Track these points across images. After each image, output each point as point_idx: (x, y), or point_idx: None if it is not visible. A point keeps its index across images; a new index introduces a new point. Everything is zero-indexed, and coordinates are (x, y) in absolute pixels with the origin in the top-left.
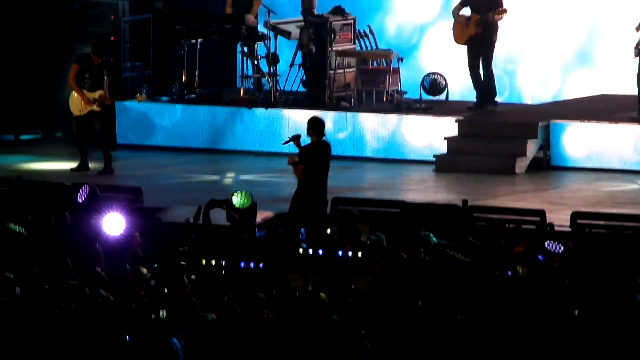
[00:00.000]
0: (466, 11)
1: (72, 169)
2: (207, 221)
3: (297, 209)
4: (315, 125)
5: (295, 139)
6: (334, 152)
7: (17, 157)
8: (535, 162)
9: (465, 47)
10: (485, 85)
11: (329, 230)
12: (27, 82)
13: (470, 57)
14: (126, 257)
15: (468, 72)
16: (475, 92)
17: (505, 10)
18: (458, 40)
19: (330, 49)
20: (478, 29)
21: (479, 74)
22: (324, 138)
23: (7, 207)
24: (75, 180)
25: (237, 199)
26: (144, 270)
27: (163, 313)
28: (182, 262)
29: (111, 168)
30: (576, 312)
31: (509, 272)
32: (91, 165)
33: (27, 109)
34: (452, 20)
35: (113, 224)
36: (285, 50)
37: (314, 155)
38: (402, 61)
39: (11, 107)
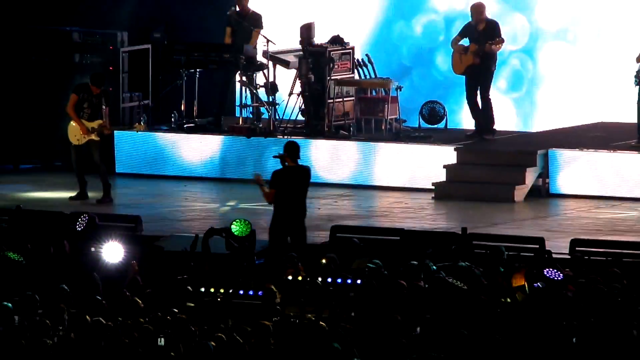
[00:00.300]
0: (465, 42)
1: (71, 198)
2: (207, 249)
3: (276, 235)
4: (290, 150)
5: (283, 157)
6: (334, 180)
7: (16, 186)
8: (534, 190)
9: (464, 77)
10: (483, 114)
11: (324, 260)
12: (26, 111)
13: (468, 86)
14: (124, 285)
15: (466, 101)
16: (473, 121)
17: (502, 40)
18: (456, 70)
19: (329, 78)
20: (476, 59)
21: (477, 103)
22: (299, 162)
23: (6, 237)
24: (74, 209)
25: (236, 227)
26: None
27: (161, 340)
28: (184, 289)
29: (110, 197)
30: (574, 339)
31: (507, 299)
32: (90, 194)
33: (26, 139)
34: (451, 50)
35: (112, 252)
36: (284, 79)
37: (289, 179)
38: (400, 90)
39: (10, 137)
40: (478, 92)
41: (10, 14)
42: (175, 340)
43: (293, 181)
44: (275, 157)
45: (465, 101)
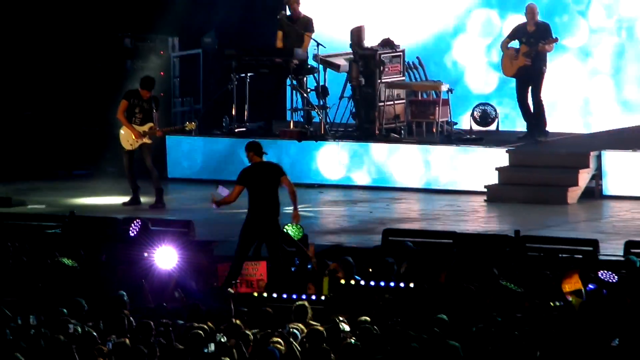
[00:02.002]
0: (514, 44)
1: (124, 203)
2: (258, 253)
3: (247, 233)
4: (254, 148)
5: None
6: (386, 183)
7: (69, 192)
8: (588, 192)
9: (514, 79)
10: (535, 115)
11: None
12: (79, 117)
13: (519, 88)
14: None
15: (517, 103)
16: (525, 123)
17: (556, 40)
18: (507, 72)
19: (379, 81)
20: (527, 60)
21: (529, 104)
22: (264, 158)
23: (60, 242)
24: (127, 214)
25: (290, 231)
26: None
27: (211, 347)
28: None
29: (163, 202)
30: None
31: (561, 303)
32: (143, 199)
33: (79, 145)
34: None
35: (165, 257)
36: (335, 82)
37: (258, 176)
38: (451, 92)
39: (63, 143)
40: (529, 93)
41: (63, 20)
42: (229, 346)
43: (262, 177)
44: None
45: (517, 103)
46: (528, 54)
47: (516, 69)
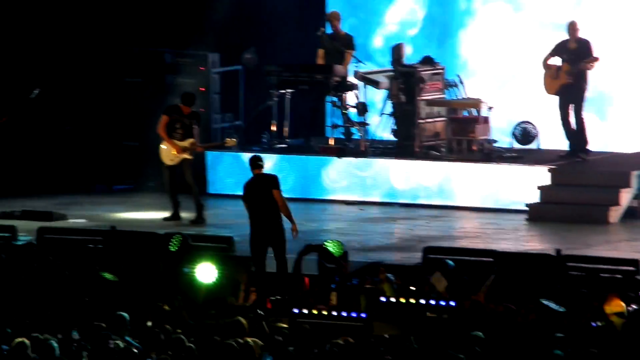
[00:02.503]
0: (555, 60)
1: (164, 219)
2: (298, 269)
3: (256, 246)
4: (250, 162)
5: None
6: (426, 201)
7: (110, 207)
8: (630, 211)
9: (557, 96)
10: (577, 133)
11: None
12: (120, 133)
13: (561, 106)
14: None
15: (560, 121)
16: (567, 141)
17: (596, 59)
18: (549, 90)
19: (419, 98)
20: (569, 78)
21: (570, 123)
22: (263, 171)
23: (101, 257)
24: (167, 229)
25: (330, 248)
26: (242, 320)
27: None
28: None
29: (203, 217)
30: None
31: (600, 323)
32: (183, 214)
33: (119, 160)
34: (543, 70)
35: (206, 272)
36: (375, 99)
37: (255, 188)
38: (492, 110)
39: (104, 158)
40: (571, 111)
41: (104, 35)
42: None
43: (257, 189)
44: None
45: (558, 121)
46: (570, 73)
47: (558, 87)
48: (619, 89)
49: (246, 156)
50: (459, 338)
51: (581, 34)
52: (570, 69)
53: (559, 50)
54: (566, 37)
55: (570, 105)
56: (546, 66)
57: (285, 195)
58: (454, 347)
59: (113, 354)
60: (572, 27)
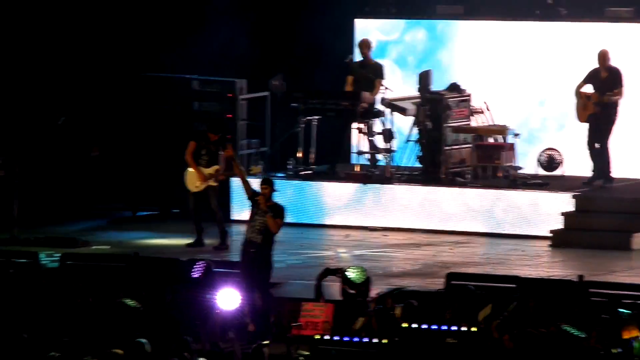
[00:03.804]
0: (588, 88)
1: (188, 245)
2: (319, 294)
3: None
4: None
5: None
6: (450, 227)
7: (134, 233)
8: None
9: (587, 124)
10: (601, 161)
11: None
12: (146, 158)
13: (589, 134)
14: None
15: (587, 148)
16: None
17: (620, 92)
18: (580, 118)
19: (445, 125)
20: (597, 107)
21: (596, 151)
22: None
23: (124, 283)
24: (191, 255)
25: (352, 274)
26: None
27: None
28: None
29: (226, 244)
30: None
31: (621, 349)
32: (207, 241)
33: (144, 186)
34: (574, 99)
35: (228, 299)
36: (402, 126)
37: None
38: (517, 137)
39: (129, 184)
40: (598, 139)
41: (131, 61)
42: None
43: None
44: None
45: (584, 148)
46: (598, 103)
47: (587, 115)
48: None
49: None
50: None
51: (612, 62)
52: (598, 99)
53: (590, 78)
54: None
55: (598, 133)
56: (578, 94)
57: (310, 222)
58: None
59: None
60: (602, 56)
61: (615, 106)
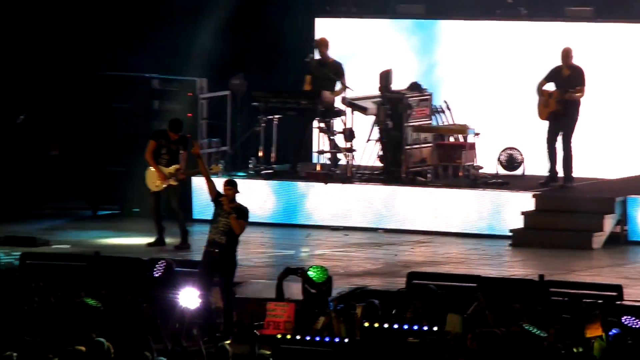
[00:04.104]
0: (550, 86)
1: (148, 244)
2: (280, 293)
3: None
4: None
5: None
6: (411, 227)
7: (94, 232)
8: (613, 237)
9: (547, 122)
10: (564, 162)
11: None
12: (105, 157)
13: (549, 132)
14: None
15: (545, 145)
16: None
17: (580, 91)
18: (541, 115)
19: (406, 124)
20: (558, 105)
21: (555, 150)
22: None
23: (84, 282)
24: (152, 255)
25: (313, 273)
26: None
27: None
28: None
29: (188, 243)
30: None
31: (580, 349)
32: (168, 240)
33: (104, 185)
34: (534, 96)
35: (189, 298)
36: (362, 125)
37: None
38: (478, 136)
39: (89, 183)
40: (559, 138)
41: (91, 60)
42: None
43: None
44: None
45: (543, 146)
46: (559, 101)
47: (548, 112)
48: (603, 116)
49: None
50: None
51: (575, 60)
52: (560, 96)
53: (552, 76)
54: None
55: (559, 132)
56: (540, 92)
57: (271, 221)
58: None
59: None
60: (565, 54)
61: (577, 104)
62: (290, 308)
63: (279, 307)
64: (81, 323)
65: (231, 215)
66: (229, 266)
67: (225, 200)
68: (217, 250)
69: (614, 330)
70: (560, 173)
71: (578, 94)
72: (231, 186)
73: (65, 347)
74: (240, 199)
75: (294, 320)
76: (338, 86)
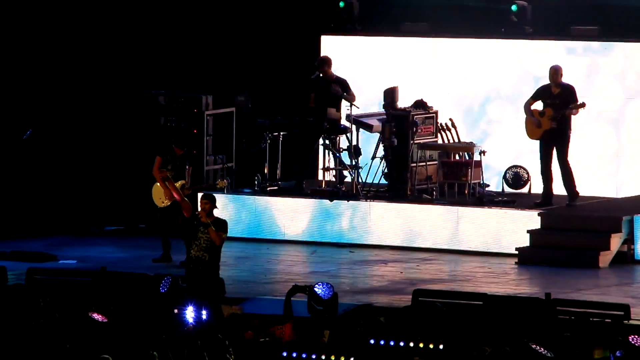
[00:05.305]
0: (537, 106)
1: (154, 260)
2: (289, 310)
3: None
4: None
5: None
6: (417, 244)
7: (101, 248)
8: (620, 256)
9: (538, 142)
10: (565, 180)
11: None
12: (111, 174)
13: (543, 152)
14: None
15: (540, 167)
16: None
17: (583, 105)
18: (531, 135)
19: (412, 141)
20: (553, 123)
21: (551, 169)
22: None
23: (91, 298)
24: (158, 271)
25: (319, 290)
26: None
27: None
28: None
29: None
30: None
31: None
32: (174, 256)
33: (111, 201)
34: (523, 116)
35: (195, 314)
36: (368, 143)
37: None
38: (484, 154)
39: (96, 199)
40: (554, 158)
41: (97, 76)
42: None
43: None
44: None
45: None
46: (554, 118)
47: (542, 132)
48: (609, 133)
49: (238, 198)
50: None
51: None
52: (553, 114)
53: (541, 94)
54: (547, 82)
55: (554, 151)
56: (528, 111)
57: (276, 237)
58: None
59: None
60: (554, 72)
61: (569, 121)
62: (287, 327)
63: (278, 329)
64: (87, 339)
65: (209, 227)
66: (214, 282)
67: (202, 213)
68: (200, 268)
69: (618, 353)
70: (556, 191)
71: (577, 110)
72: (208, 200)
73: None
74: (246, 214)
75: (295, 336)
76: (344, 103)
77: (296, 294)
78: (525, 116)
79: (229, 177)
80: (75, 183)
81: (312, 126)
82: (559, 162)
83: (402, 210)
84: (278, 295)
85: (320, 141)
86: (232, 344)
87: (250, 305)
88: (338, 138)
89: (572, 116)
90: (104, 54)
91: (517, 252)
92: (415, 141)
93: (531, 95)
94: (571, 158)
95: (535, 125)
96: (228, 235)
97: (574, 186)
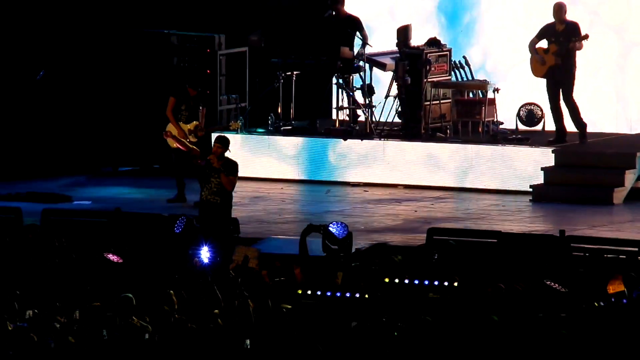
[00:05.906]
0: (542, 44)
1: (168, 200)
2: (304, 249)
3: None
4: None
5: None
6: (431, 182)
7: (115, 188)
8: (634, 193)
9: (544, 79)
10: (573, 117)
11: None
12: (125, 115)
13: (550, 89)
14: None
15: (549, 104)
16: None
17: (586, 36)
18: (537, 73)
19: (425, 80)
20: (557, 59)
21: (560, 106)
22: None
23: (105, 239)
24: (172, 211)
25: (334, 230)
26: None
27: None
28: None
29: None
30: None
31: (603, 303)
32: (188, 197)
33: (125, 142)
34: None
35: (209, 254)
36: (381, 81)
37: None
38: (498, 92)
39: (110, 140)
40: (560, 94)
41: (109, 17)
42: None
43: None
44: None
45: (547, 104)
46: (558, 53)
47: (546, 69)
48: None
49: (252, 138)
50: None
51: (568, 16)
52: (558, 49)
53: (546, 32)
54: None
55: (560, 87)
56: (533, 50)
57: (291, 177)
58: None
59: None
60: (558, 9)
61: (574, 57)
62: (297, 270)
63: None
64: (104, 279)
65: (220, 172)
66: (227, 223)
67: (213, 157)
68: (212, 211)
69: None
70: (570, 128)
71: (581, 43)
72: (220, 143)
73: (89, 304)
74: (260, 154)
75: (304, 277)
76: (357, 41)
77: (311, 233)
78: (530, 55)
79: (242, 117)
80: (89, 124)
81: (325, 65)
82: (564, 99)
83: (416, 149)
84: (292, 235)
85: (334, 80)
86: (244, 282)
87: (264, 244)
88: (351, 77)
89: (577, 52)
90: None
91: (531, 189)
92: (429, 79)
93: (535, 34)
94: (584, 94)
95: (539, 62)
96: (242, 175)
97: (582, 122)
